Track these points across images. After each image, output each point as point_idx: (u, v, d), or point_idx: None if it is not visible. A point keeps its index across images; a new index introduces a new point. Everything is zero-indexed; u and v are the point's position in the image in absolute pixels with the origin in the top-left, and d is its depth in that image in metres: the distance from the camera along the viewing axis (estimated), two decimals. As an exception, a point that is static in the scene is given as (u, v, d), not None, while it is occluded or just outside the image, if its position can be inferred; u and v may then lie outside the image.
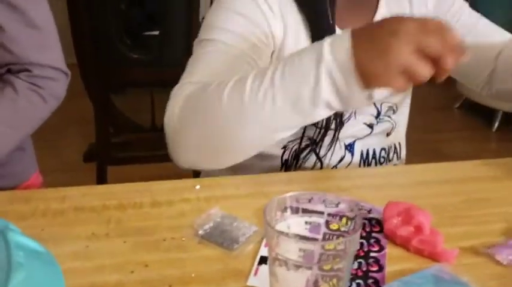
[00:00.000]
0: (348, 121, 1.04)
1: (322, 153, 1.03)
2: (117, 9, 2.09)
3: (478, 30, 1.12)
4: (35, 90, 1.06)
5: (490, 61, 1.09)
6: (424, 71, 0.67)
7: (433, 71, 0.67)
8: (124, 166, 2.31)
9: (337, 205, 0.65)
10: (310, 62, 0.72)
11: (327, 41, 0.72)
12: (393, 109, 1.10)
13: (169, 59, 2.05)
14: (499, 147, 3.34)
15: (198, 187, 0.87)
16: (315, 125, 1.01)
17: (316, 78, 0.71)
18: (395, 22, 0.68)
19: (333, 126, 1.02)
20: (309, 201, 0.66)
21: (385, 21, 0.70)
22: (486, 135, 3.46)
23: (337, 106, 0.73)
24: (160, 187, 0.87)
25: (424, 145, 3.03)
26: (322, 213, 0.65)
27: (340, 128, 1.03)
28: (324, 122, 1.01)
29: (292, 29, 0.98)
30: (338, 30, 0.98)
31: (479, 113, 3.56)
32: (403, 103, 1.13)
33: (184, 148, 0.83)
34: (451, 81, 3.94)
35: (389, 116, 1.10)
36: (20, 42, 1.05)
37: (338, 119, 1.02)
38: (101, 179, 2.26)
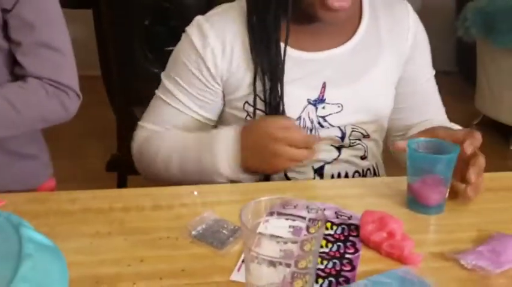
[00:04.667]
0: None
1: (291, 175, 1.10)
2: (141, 25, 2.15)
3: (421, 94, 1.22)
4: (43, 86, 1.13)
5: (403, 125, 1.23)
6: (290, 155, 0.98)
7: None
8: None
9: (317, 211, 0.72)
10: (208, 166, 1.03)
11: (221, 160, 1.02)
12: (363, 134, 1.15)
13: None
14: (515, 164, 3.35)
15: (195, 193, 0.95)
16: None
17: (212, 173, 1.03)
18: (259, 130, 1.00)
19: None
20: (294, 207, 0.74)
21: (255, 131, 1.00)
22: (503, 152, 3.46)
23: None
24: (162, 192, 0.96)
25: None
26: (304, 218, 0.73)
27: None
28: None
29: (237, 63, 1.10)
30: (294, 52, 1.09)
31: (497, 130, 3.58)
32: (377, 131, 1.18)
33: (143, 172, 1.18)
34: (469, 99, 3.97)
35: (359, 139, 1.15)
36: (32, 59, 1.12)
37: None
38: (121, 187, 2.35)
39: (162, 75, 1.16)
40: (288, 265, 0.65)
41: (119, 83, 2.18)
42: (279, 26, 1.06)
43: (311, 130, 1.11)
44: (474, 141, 0.92)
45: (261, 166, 1.01)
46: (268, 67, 1.06)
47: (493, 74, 3.38)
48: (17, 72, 1.14)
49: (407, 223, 0.83)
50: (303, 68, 1.09)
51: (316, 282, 0.73)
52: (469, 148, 0.90)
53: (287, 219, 0.73)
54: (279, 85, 1.06)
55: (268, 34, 1.06)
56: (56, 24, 1.17)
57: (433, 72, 1.25)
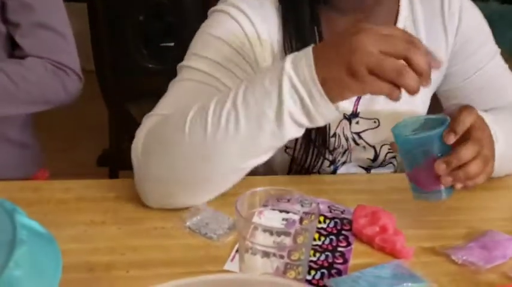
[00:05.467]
0: (341, 167, 1.06)
1: None
2: (136, 20, 2.15)
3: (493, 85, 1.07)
4: (43, 64, 1.12)
5: None
6: (394, 65, 0.67)
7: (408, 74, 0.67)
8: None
9: (310, 205, 0.73)
10: (272, 80, 0.72)
11: (289, 58, 0.72)
12: None
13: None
14: None
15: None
16: (307, 169, 1.02)
17: (279, 95, 0.71)
18: (355, 28, 0.70)
19: (327, 170, 1.04)
20: (288, 200, 0.74)
21: (345, 30, 0.71)
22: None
23: (305, 122, 0.73)
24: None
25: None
26: (298, 211, 0.73)
27: (334, 173, 1.06)
28: (319, 166, 1.02)
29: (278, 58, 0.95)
30: None
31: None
32: None
33: (151, 183, 0.83)
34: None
35: (394, 158, 1.07)
36: (31, 40, 1.12)
37: (332, 166, 1.05)
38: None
39: (184, 60, 0.95)
40: (282, 256, 0.66)
41: (113, 78, 2.18)
42: (317, 20, 0.96)
43: (346, 151, 1.04)
44: (467, 115, 0.78)
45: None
46: None
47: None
48: (17, 55, 1.14)
49: (399, 218, 0.84)
50: None
51: (309, 273, 0.74)
52: (449, 137, 0.76)
53: (281, 212, 0.74)
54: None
55: (304, 30, 0.95)
56: (55, 5, 1.17)
57: (497, 50, 1.09)
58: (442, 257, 0.79)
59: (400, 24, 1.01)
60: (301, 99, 0.71)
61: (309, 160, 1.01)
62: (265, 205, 0.72)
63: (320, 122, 0.74)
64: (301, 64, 0.71)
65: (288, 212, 0.74)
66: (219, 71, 0.90)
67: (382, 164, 1.07)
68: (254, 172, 0.99)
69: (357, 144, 1.03)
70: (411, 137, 0.79)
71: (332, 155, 1.03)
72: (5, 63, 1.11)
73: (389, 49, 0.67)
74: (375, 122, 1.02)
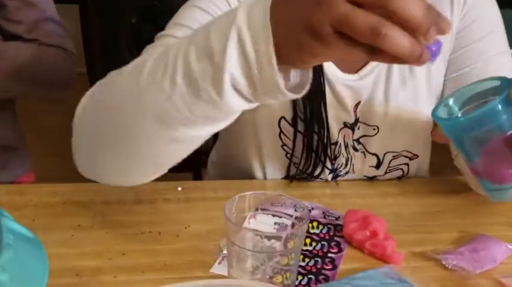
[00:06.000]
0: (343, 176, 1.03)
1: None
2: (128, 22, 2.15)
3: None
4: (55, 50, 1.18)
5: None
6: (366, 19, 0.46)
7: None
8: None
9: (303, 210, 0.72)
10: (220, 32, 0.55)
11: (244, 6, 0.54)
12: (409, 157, 1.02)
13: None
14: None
15: (179, 188, 0.95)
16: (308, 175, 1.00)
17: (222, 52, 0.54)
18: None
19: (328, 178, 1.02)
20: (282, 205, 0.74)
21: None
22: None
23: (248, 92, 0.56)
24: (144, 186, 0.94)
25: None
26: (291, 216, 0.73)
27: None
28: (318, 173, 1.00)
29: None
30: None
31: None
32: (426, 144, 1.04)
33: (81, 146, 0.73)
34: None
35: (401, 164, 1.03)
36: (38, 33, 1.16)
37: (332, 174, 1.02)
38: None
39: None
40: (270, 260, 0.65)
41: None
42: None
43: (347, 160, 1.01)
44: None
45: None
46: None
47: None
48: None
49: (390, 223, 0.83)
50: None
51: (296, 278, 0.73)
52: None
53: (274, 216, 0.73)
54: (322, 107, 0.93)
55: None
56: (51, 2, 1.22)
57: (509, 51, 0.97)
58: (432, 262, 0.79)
59: None
60: (246, 60, 0.53)
61: (307, 167, 0.99)
62: (258, 209, 0.72)
63: (262, 97, 0.56)
64: (254, 14, 0.53)
65: (280, 216, 0.73)
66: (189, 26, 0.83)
67: (388, 172, 1.03)
68: (251, 175, 0.97)
69: (356, 150, 1.01)
70: (463, 119, 0.59)
71: (333, 164, 1.01)
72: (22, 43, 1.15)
73: None
74: (374, 129, 0.98)
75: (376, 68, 0.94)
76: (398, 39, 0.46)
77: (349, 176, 1.03)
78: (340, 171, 1.02)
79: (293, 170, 1.01)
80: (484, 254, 0.79)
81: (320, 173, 1.00)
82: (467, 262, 0.77)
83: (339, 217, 0.88)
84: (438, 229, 0.87)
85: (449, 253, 0.79)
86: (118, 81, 0.66)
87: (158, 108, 0.60)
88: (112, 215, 0.86)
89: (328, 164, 1.00)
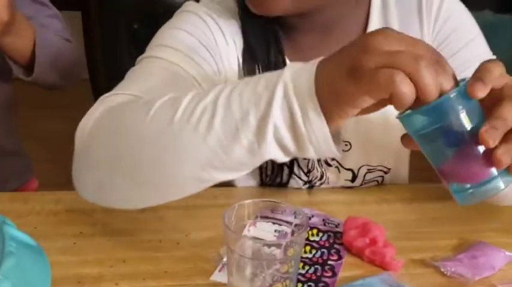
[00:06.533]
0: (320, 186, 1.02)
1: None
2: (130, 28, 2.15)
3: None
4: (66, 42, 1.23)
5: None
6: (409, 62, 0.52)
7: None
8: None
9: (303, 217, 0.73)
10: (267, 85, 0.59)
11: (292, 64, 0.61)
12: (383, 171, 1.02)
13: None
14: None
15: (180, 196, 0.95)
16: (279, 184, 0.99)
17: (269, 104, 0.58)
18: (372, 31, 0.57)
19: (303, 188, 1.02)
20: (282, 212, 0.74)
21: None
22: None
23: (291, 145, 0.59)
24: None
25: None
26: (291, 223, 0.73)
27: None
28: (292, 184, 1.00)
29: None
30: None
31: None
32: (401, 157, 1.04)
33: (89, 169, 0.71)
34: None
35: (376, 177, 1.03)
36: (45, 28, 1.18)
37: (307, 185, 1.02)
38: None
39: (144, 53, 0.87)
40: (269, 268, 0.66)
41: (106, 85, 2.17)
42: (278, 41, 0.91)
43: (322, 175, 1.01)
44: (493, 65, 0.57)
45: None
46: None
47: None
48: None
49: (389, 230, 0.84)
50: None
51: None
52: (475, 88, 0.54)
53: (274, 223, 0.74)
54: None
55: (267, 44, 0.91)
56: None
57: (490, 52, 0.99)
58: (431, 269, 0.79)
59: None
60: (291, 113, 0.57)
61: (279, 179, 1.00)
62: (258, 216, 0.72)
63: (309, 149, 0.59)
64: (301, 73, 0.58)
65: (280, 224, 0.74)
66: (182, 59, 0.83)
67: (364, 184, 1.03)
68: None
69: (329, 165, 1.00)
70: (420, 111, 0.55)
71: (308, 176, 1.01)
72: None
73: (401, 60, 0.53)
74: (346, 145, 0.97)
75: None
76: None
77: (324, 186, 1.03)
78: (316, 183, 1.02)
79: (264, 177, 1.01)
80: (483, 261, 0.79)
81: (287, 181, 1.00)
82: (466, 269, 0.78)
83: (338, 224, 0.89)
84: (437, 236, 0.88)
85: (448, 260, 0.80)
86: (141, 112, 0.65)
87: (193, 149, 0.61)
88: (113, 223, 0.87)
89: (303, 177, 1.00)
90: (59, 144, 3.13)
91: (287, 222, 0.73)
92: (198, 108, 0.61)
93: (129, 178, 0.67)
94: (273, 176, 1.00)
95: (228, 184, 1.03)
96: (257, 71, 0.90)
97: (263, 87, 0.59)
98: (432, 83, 0.53)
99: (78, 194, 0.91)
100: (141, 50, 2.19)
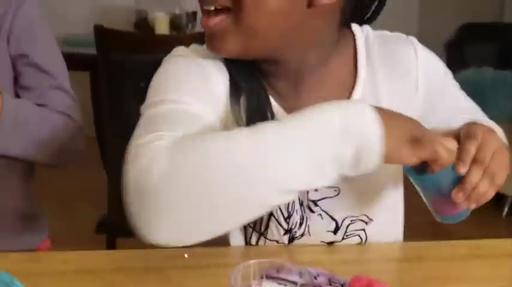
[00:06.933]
0: (299, 238, 0.99)
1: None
2: (137, 87, 2.19)
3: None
4: (60, 115, 1.19)
5: None
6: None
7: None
8: (134, 239, 2.40)
9: (308, 277, 0.74)
10: (336, 123, 0.73)
11: (361, 128, 0.73)
12: (364, 221, 1.00)
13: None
14: (509, 233, 3.31)
15: (186, 255, 0.96)
16: (261, 234, 0.98)
17: (345, 156, 0.73)
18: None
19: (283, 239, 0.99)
20: (287, 272, 0.75)
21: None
22: (495, 220, 3.43)
23: (349, 167, 0.74)
24: (152, 254, 0.97)
25: (430, 227, 3.06)
26: (296, 283, 0.74)
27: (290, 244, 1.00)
28: (273, 232, 0.97)
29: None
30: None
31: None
32: (389, 206, 1.02)
33: (166, 211, 0.71)
34: None
35: (357, 230, 1.00)
36: (48, 99, 1.19)
37: (288, 235, 0.98)
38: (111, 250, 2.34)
39: (148, 100, 0.90)
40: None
41: (113, 143, 2.21)
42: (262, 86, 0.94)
43: (302, 220, 0.97)
44: (471, 143, 0.84)
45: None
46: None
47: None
48: None
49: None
50: None
51: None
52: (460, 168, 0.83)
53: (279, 283, 0.75)
54: None
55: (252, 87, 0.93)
56: (65, 70, 1.25)
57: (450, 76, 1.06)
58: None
59: (359, 87, 0.96)
60: (359, 160, 0.74)
61: (258, 223, 0.96)
62: (263, 276, 0.73)
63: (361, 168, 0.75)
64: (372, 139, 0.74)
65: (286, 284, 0.74)
66: (187, 94, 0.86)
67: (346, 237, 1.00)
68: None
69: (312, 211, 0.97)
70: (423, 179, 0.86)
71: (287, 223, 0.97)
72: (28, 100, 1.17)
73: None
74: (335, 190, 0.95)
75: None
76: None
77: (305, 239, 0.99)
78: (296, 232, 0.98)
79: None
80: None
81: (271, 230, 0.97)
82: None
83: (344, 284, 0.89)
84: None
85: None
86: (222, 147, 0.73)
87: (281, 178, 0.73)
88: (121, 283, 0.88)
89: (283, 222, 0.96)
90: (70, 201, 3.16)
91: (292, 282, 0.73)
92: (281, 143, 0.72)
93: (215, 211, 0.73)
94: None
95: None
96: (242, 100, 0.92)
97: (340, 140, 0.73)
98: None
99: (88, 255, 0.92)
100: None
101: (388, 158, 0.75)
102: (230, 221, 0.77)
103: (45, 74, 1.20)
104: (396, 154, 0.76)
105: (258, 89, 0.93)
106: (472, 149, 0.83)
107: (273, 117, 0.91)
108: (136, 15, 3.32)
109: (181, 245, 0.75)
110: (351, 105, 0.78)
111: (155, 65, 2.12)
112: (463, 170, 0.82)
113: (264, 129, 0.74)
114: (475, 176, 0.82)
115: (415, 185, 0.90)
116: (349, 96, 0.96)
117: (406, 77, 0.99)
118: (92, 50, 2.17)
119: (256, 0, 0.83)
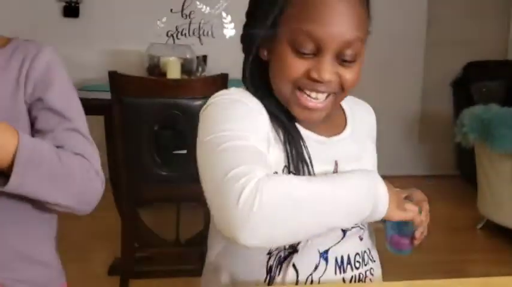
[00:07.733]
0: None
1: (298, 260, 1.07)
2: (151, 131, 2.19)
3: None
4: (79, 158, 1.16)
5: None
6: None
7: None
8: (147, 280, 2.40)
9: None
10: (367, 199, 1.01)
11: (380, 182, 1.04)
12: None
13: (195, 175, 2.14)
14: (523, 269, 3.27)
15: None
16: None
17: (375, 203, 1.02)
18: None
19: None
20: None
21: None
22: (509, 258, 3.39)
23: (366, 212, 1.01)
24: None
25: (448, 266, 3.03)
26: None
27: None
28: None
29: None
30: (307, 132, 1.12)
31: (504, 234, 3.52)
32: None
33: (268, 229, 0.92)
34: (472, 203, 3.87)
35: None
36: (65, 141, 1.17)
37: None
38: (124, 291, 2.32)
39: (205, 135, 1.04)
40: None
41: (126, 186, 2.21)
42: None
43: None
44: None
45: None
46: (294, 148, 1.08)
47: (493, 177, 3.41)
48: None
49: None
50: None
51: None
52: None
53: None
54: (309, 165, 1.08)
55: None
56: (82, 114, 1.24)
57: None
58: None
59: (349, 126, 1.22)
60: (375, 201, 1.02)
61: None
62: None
63: (371, 211, 1.02)
64: (381, 200, 1.03)
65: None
66: (243, 128, 1.02)
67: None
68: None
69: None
70: (389, 225, 1.14)
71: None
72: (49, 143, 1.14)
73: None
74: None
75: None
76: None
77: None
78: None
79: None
80: None
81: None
82: None
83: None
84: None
85: None
86: (306, 192, 0.96)
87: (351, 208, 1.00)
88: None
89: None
90: (83, 243, 3.16)
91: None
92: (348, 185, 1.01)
93: (299, 235, 1.00)
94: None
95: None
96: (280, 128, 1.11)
97: (366, 200, 1.01)
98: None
99: None
100: (160, 149, 2.21)
101: (385, 215, 1.03)
102: (307, 235, 1.01)
103: (61, 117, 1.18)
104: (391, 213, 1.04)
105: (290, 123, 1.12)
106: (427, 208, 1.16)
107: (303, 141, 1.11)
108: (149, 60, 3.39)
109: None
110: (371, 174, 1.05)
111: (168, 109, 2.15)
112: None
113: (320, 181, 1.00)
114: (426, 223, 1.15)
115: (384, 227, 1.14)
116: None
117: (370, 126, 1.30)
118: (106, 95, 2.20)
119: (354, 84, 1.08)
